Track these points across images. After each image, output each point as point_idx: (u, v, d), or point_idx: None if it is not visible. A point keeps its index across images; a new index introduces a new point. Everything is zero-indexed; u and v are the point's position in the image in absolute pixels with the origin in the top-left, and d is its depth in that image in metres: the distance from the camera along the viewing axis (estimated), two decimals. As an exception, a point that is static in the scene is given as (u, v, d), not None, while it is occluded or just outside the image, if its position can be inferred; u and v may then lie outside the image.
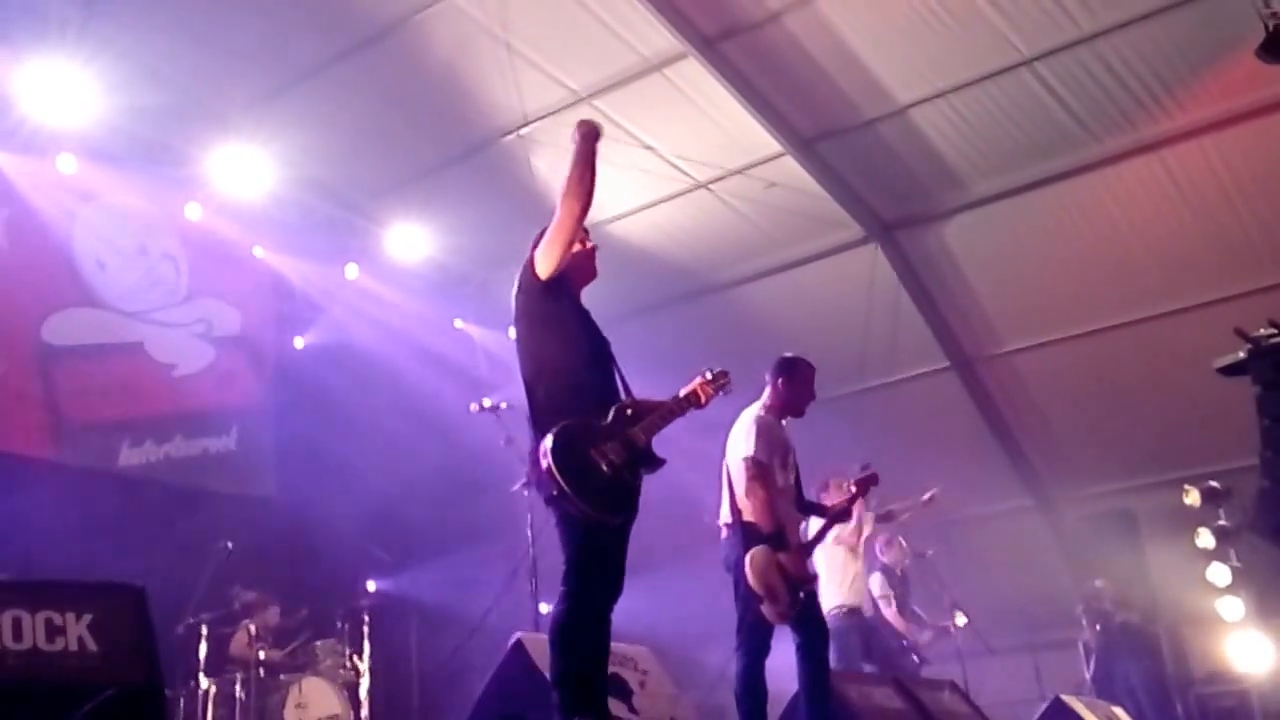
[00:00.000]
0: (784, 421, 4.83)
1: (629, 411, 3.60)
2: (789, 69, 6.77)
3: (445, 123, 7.17)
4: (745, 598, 4.45)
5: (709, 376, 3.91)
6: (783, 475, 4.72)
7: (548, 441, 3.41)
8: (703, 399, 3.86)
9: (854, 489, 5.09)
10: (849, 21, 6.44)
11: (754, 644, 4.48)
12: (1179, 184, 7.45)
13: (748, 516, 4.56)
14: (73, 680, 3.70)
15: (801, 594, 4.48)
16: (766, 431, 4.67)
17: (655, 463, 3.64)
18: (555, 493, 3.40)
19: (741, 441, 4.70)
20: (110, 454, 6.43)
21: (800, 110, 7.15)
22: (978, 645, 7.58)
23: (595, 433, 3.48)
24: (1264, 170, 7.26)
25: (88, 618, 3.78)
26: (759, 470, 4.58)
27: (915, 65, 6.76)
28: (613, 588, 3.55)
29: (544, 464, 3.40)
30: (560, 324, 3.69)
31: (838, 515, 5.00)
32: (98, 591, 3.87)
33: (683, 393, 3.87)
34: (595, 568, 3.48)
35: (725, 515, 4.72)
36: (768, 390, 4.88)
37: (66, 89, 6.04)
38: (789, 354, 4.91)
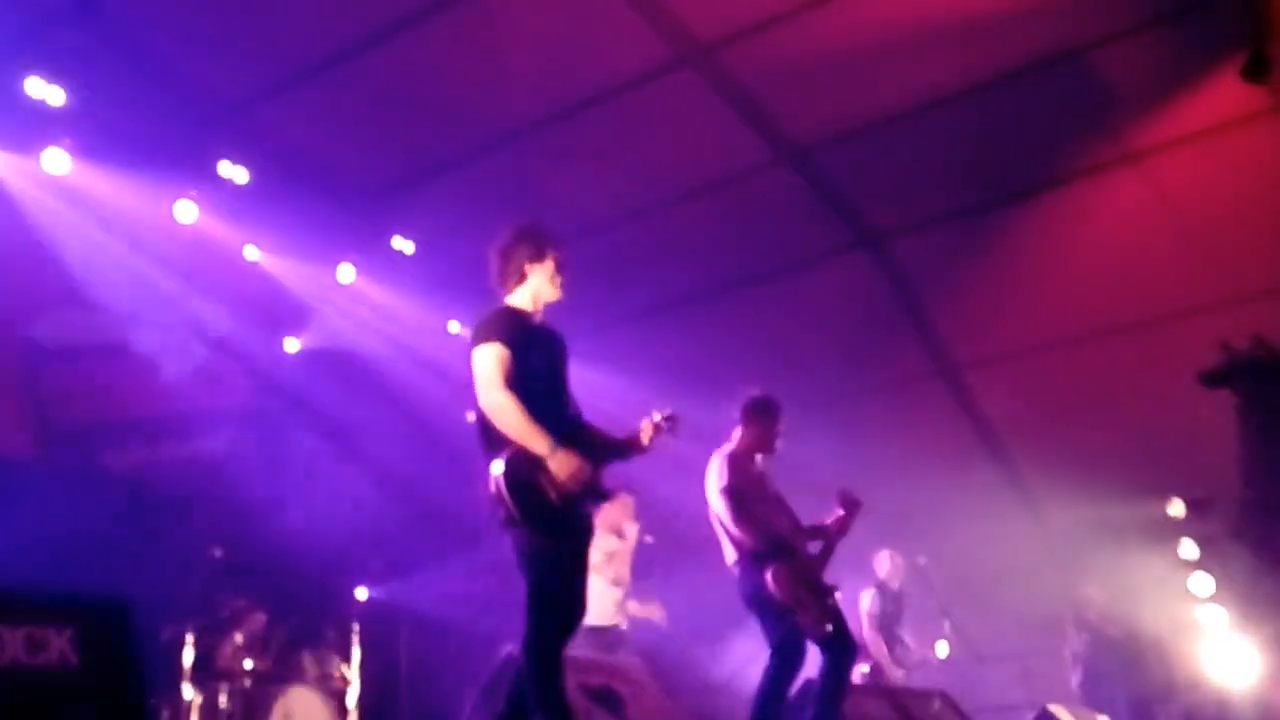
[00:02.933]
0: (757, 458, 4.85)
1: (580, 443, 3.57)
2: (784, 76, 6.64)
3: (442, 125, 6.99)
4: (777, 617, 4.44)
5: (657, 419, 3.84)
6: (763, 506, 4.75)
7: (498, 467, 3.40)
8: (645, 441, 3.79)
9: (842, 511, 5.06)
10: (844, 28, 6.32)
11: (787, 656, 4.47)
12: (1163, 195, 7.40)
13: (748, 546, 4.55)
14: (54, 695, 3.58)
15: (828, 600, 4.50)
16: (733, 465, 4.74)
17: (602, 495, 3.63)
18: (504, 517, 3.39)
19: (713, 480, 4.76)
20: (95, 456, 6.21)
21: (794, 118, 7.02)
22: (966, 653, 7.49)
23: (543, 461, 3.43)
24: (1242, 184, 7.22)
25: (70, 631, 3.67)
26: (735, 496, 4.65)
27: (909, 74, 6.65)
28: (571, 612, 3.51)
29: (494, 489, 3.40)
30: (512, 360, 3.59)
31: (837, 535, 4.95)
32: (81, 604, 3.76)
33: (634, 432, 3.83)
34: (555, 595, 3.45)
35: (730, 555, 4.74)
36: (736, 430, 4.95)
37: (54, 84, 5.80)
38: (756, 392, 4.99)
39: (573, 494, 3.45)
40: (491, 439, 3.50)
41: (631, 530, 5.51)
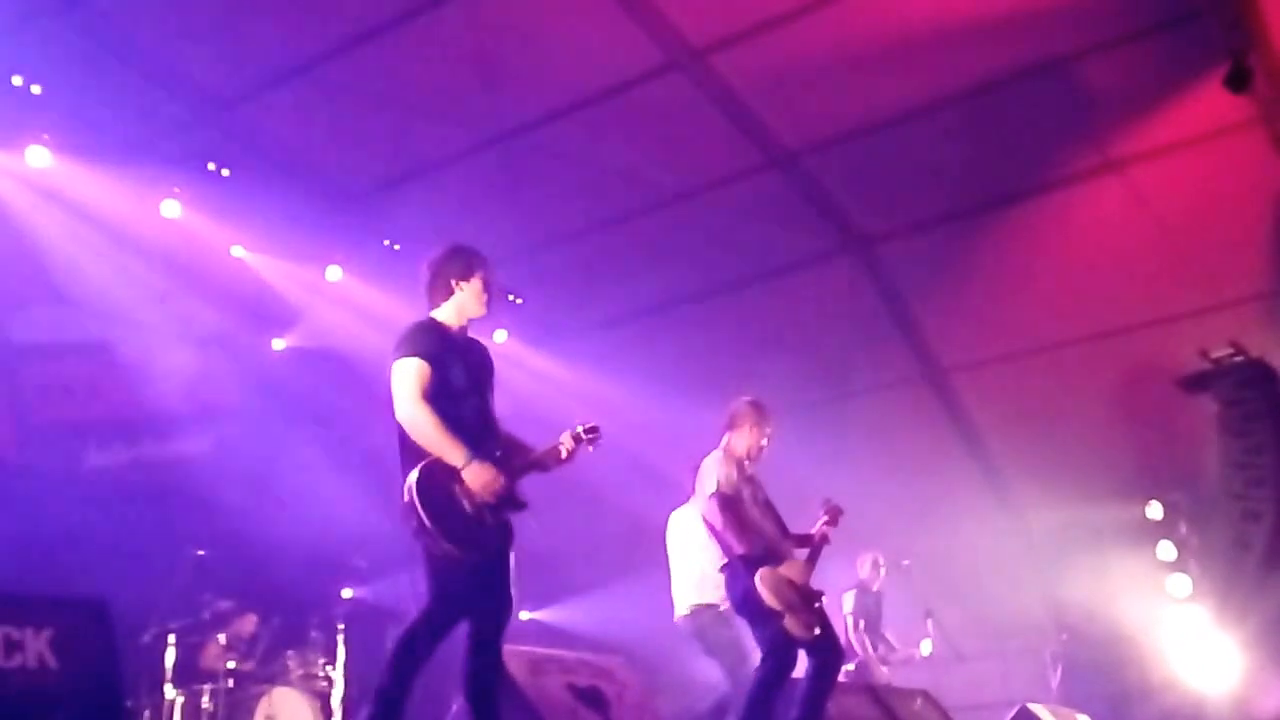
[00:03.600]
0: (745, 463, 4.86)
1: (498, 454, 3.63)
2: (774, 81, 6.60)
3: (430, 125, 6.92)
4: (766, 621, 4.42)
5: (578, 431, 3.85)
6: (752, 511, 4.73)
7: (412, 476, 3.44)
8: (564, 453, 3.81)
9: (826, 519, 5.04)
10: (833, 34, 6.29)
11: (778, 660, 4.46)
12: (1145, 203, 7.41)
13: (738, 550, 4.52)
14: (32, 697, 3.52)
15: (816, 604, 4.48)
16: (722, 469, 4.72)
17: (518, 506, 3.64)
18: (415, 525, 3.42)
19: (704, 484, 4.75)
20: (76, 456, 6.10)
21: (782, 123, 6.99)
22: (947, 652, 7.48)
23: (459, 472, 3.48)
24: (1224, 192, 7.23)
25: (48, 633, 3.62)
26: (726, 501, 4.62)
27: (897, 81, 6.63)
28: (451, 621, 3.57)
29: (406, 498, 3.42)
30: (431, 373, 3.63)
31: (820, 544, 4.93)
32: (59, 606, 3.71)
33: (555, 445, 3.83)
34: (450, 601, 3.51)
35: (719, 559, 4.70)
36: (725, 435, 4.93)
37: (36, 79, 5.69)
38: (746, 397, 4.95)
39: (487, 504, 3.51)
40: (409, 451, 3.55)
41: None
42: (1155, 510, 7.97)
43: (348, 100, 6.66)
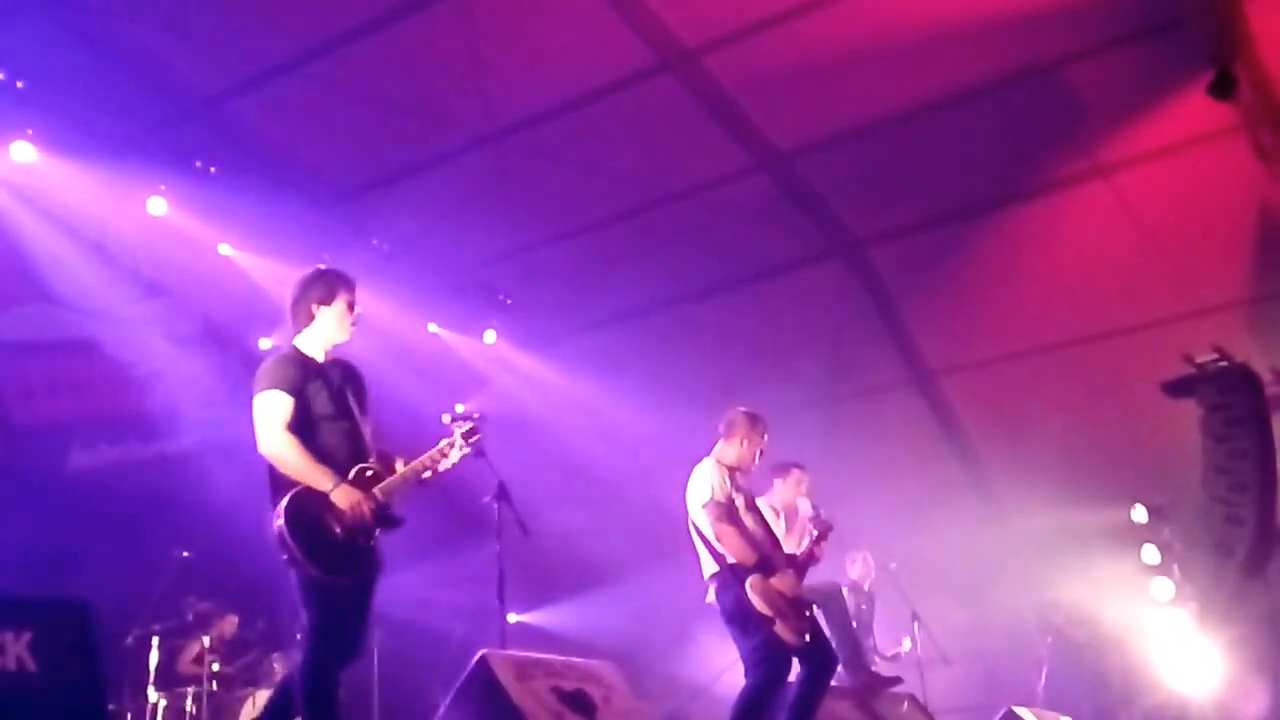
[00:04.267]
0: (738, 472, 4.82)
1: (369, 473, 3.63)
2: (764, 83, 6.57)
3: (420, 125, 6.86)
4: (757, 629, 4.38)
5: (454, 436, 3.84)
6: (747, 518, 4.71)
7: (280, 507, 3.46)
8: (442, 461, 3.80)
9: (815, 534, 5.03)
10: (823, 39, 6.27)
11: (771, 669, 4.42)
12: (1131, 208, 7.43)
13: (730, 559, 4.47)
14: (11, 700, 3.45)
15: (806, 612, 4.45)
16: (718, 477, 4.69)
17: (393, 523, 3.64)
18: (286, 556, 3.45)
19: (697, 492, 4.70)
20: (60, 456, 6.00)
21: (772, 125, 6.96)
22: (934, 655, 7.47)
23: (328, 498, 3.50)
24: (1207, 198, 7.25)
25: (28, 636, 3.57)
26: (721, 510, 4.58)
27: (886, 85, 6.62)
28: (349, 648, 3.60)
29: (276, 531, 3.46)
30: (294, 403, 3.64)
31: (806, 562, 4.89)
32: (39, 608, 3.65)
33: (431, 453, 3.81)
34: (332, 630, 3.51)
35: (709, 568, 4.67)
36: (719, 443, 4.90)
37: (22, 75, 5.60)
38: (743, 408, 4.93)
39: (359, 527, 3.53)
40: (277, 482, 3.58)
41: (804, 505, 5.38)
42: (1139, 514, 7.97)
43: (337, 98, 6.60)
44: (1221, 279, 7.64)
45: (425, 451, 3.80)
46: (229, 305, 7.35)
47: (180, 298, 7.03)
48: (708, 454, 4.89)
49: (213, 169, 6.59)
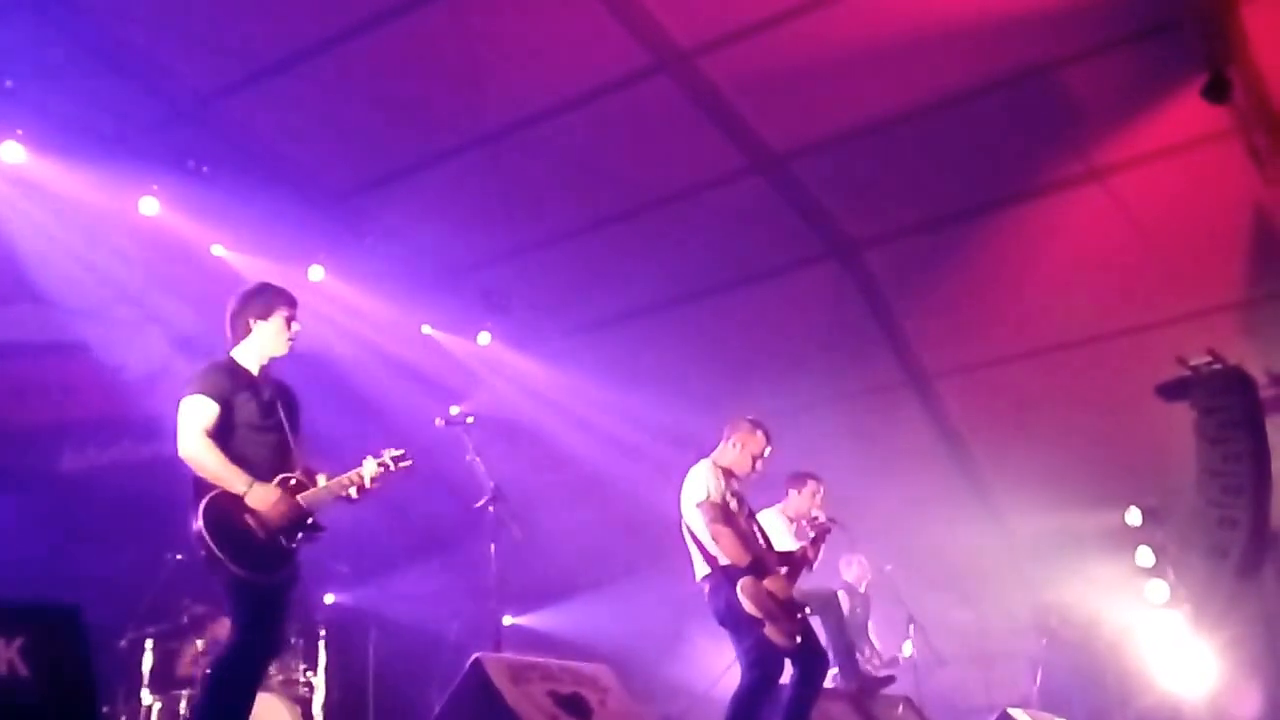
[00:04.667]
0: (735, 476, 4.85)
1: (292, 482, 3.74)
2: (760, 85, 6.57)
3: (415, 125, 6.84)
4: (748, 631, 4.40)
5: (385, 459, 3.93)
6: (741, 521, 4.73)
7: (199, 509, 3.58)
8: (364, 482, 3.88)
9: (811, 536, 5.08)
10: (819, 40, 6.27)
11: (763, 671, 4.45)
12: (1125, 211, 7.45)
13: (723, 560, 4.51)
14: (3, 706, 3.43)
15: (798, 615, 4.47)
16: (714, 478, 4.72)
17: (315, 530, 3.76)
18: (205, 556, 3.56)
19: (691, 492, 4.72)
20: (52, 458, 5.96)
21: (768, 127, 6.96)
22: (929, 657, 7.48)
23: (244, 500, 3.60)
24: (1202, 201, 7.27)
25: (19, 641, 3.55)
26: (716, 512, 4.59)
27: (882, 87, 6.62)
28: (273, 644, 3.74)
29: (195, 532, 3.57)
30: (219, 411, 3.75)
31: (800, 562, 4.91)
32: (30, 613, 3.62)
33: (352, 473, 3.90)
34: (255, 626, 3.60)
35: (701, 569, 4.68)
36: (722, 445, 4.95)
37: (12, 74, 5.56)
38: (751, 417, 4.99)
39: (278, 527, 3.64)
40: (197, 485, 3.67)
41: (821, 517, 5.41)
42: (1134, 516, 8.00)
43: (331, 98, 6.56)
44: (1216, 282, 7.67)
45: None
46: (222, 306, 7.30)
47: (172, 299, 6.98)
48: (704, 456, 4.90)
49: (205, 169, 6.56)
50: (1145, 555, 7.85)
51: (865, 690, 6.15)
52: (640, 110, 6.73)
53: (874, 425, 8.75)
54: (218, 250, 7.13)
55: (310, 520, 3.75)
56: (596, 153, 7.08)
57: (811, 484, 5.92)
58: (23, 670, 3.44)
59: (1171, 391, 7.31)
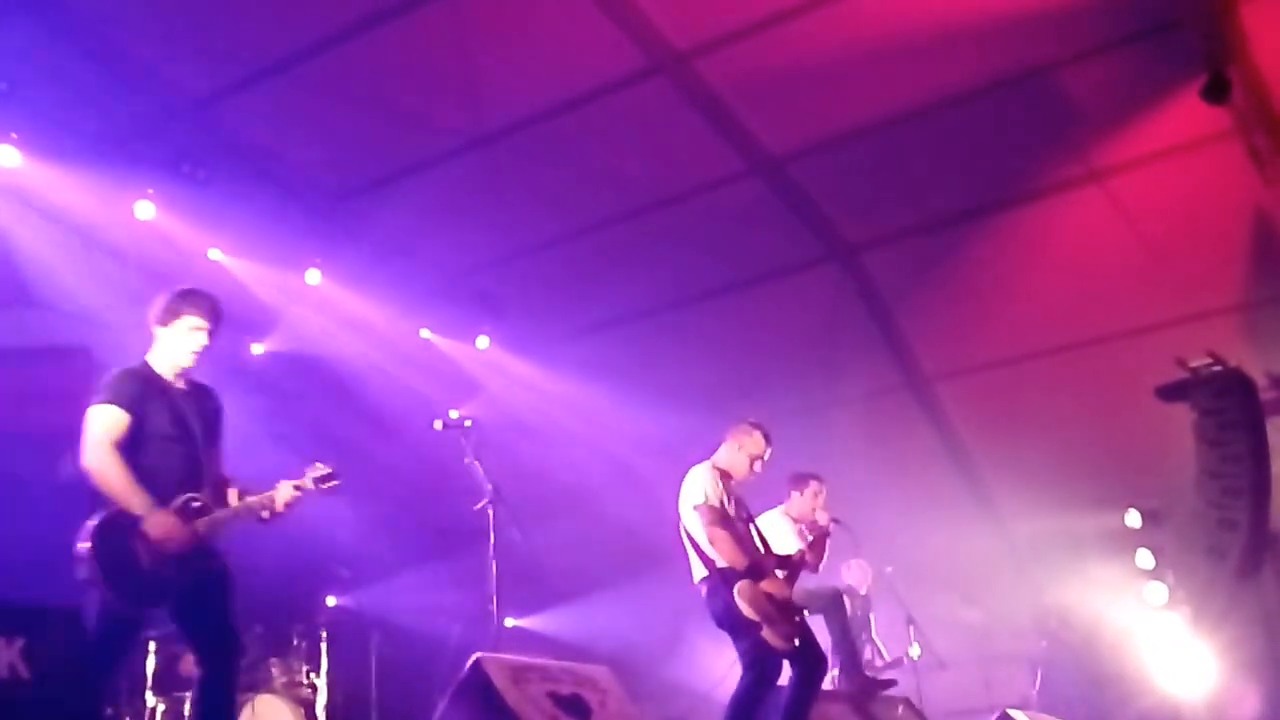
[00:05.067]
0: (733, 479, 4.87)
1: (195, 504, 3.58)
2: (757, 87, 6.59)
3: (411, 128, 6.85)
4: (745, 633, 4.42)
5: (303, 479, 3.83)
6: (739, 525, 4.74)
7: (90, 525, 3.45)
8: (275, 506, 3.75)
9: (810, 539, 5.11)
10: (817, 41, 6.30)
11: (760, 672, 4.48)
12: (1125, 213, 7.46)
13: (720, 563, 4.53)
14: (5, 707, 3.44)
15: (796, 617, 4.49)
16: (712, 481, 4.72)
17: (211, 558, 3.61)
18: (85, 574, 3.42)
19: (689, 495, 4.72)
20: (51, 464, 5.96)
21: (765, 129, 6.98)
22: (929, 658, 7.50)
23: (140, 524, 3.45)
24: (1201, 203, 7.29)
25: (20, 643, 3.56)
26: (714, 514, 4.61)
27: (880, 89, 6.64)
28: (117, 668, 3.68)
29: (80, 547, 3.44)
30: (129, 420, 3.61)
31: (798, 565, 4.93)
32: (30, 615, 3.63)
33: (268, 494, 3.78)
34: (104, 650, 3.51)
35: (699, 572, 4.70)
36: (722, 448, 4.96)
37: (6, 78, 5.56)
38: (752, 419, 5.00)
39: (165, 558, 3.48)
40: (94, 501, 3.55)
41: (823, 517, 5.43)
42: (1133, 518, 8.00)
43: (326, 101, 6.56)
44: (1216, 284, 7.68)
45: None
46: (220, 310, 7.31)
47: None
48: (703, 458, 4.92)
49: (201, 173, 6.57)
50: (1145, 557, 7.86)
51: (865, 691, 6.16)
52: (637, 113, 6.74)
53: (873, 428, 8.77)
54: (214, 254, 7.14)
55: (204, 552, 3.59)
56: (593, 155, 7.09)
57: (814, 484, 5.94)
58: (24, 671, 3.45)
59: (1171, 393, 7.31)
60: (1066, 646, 8.14)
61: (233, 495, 3.77)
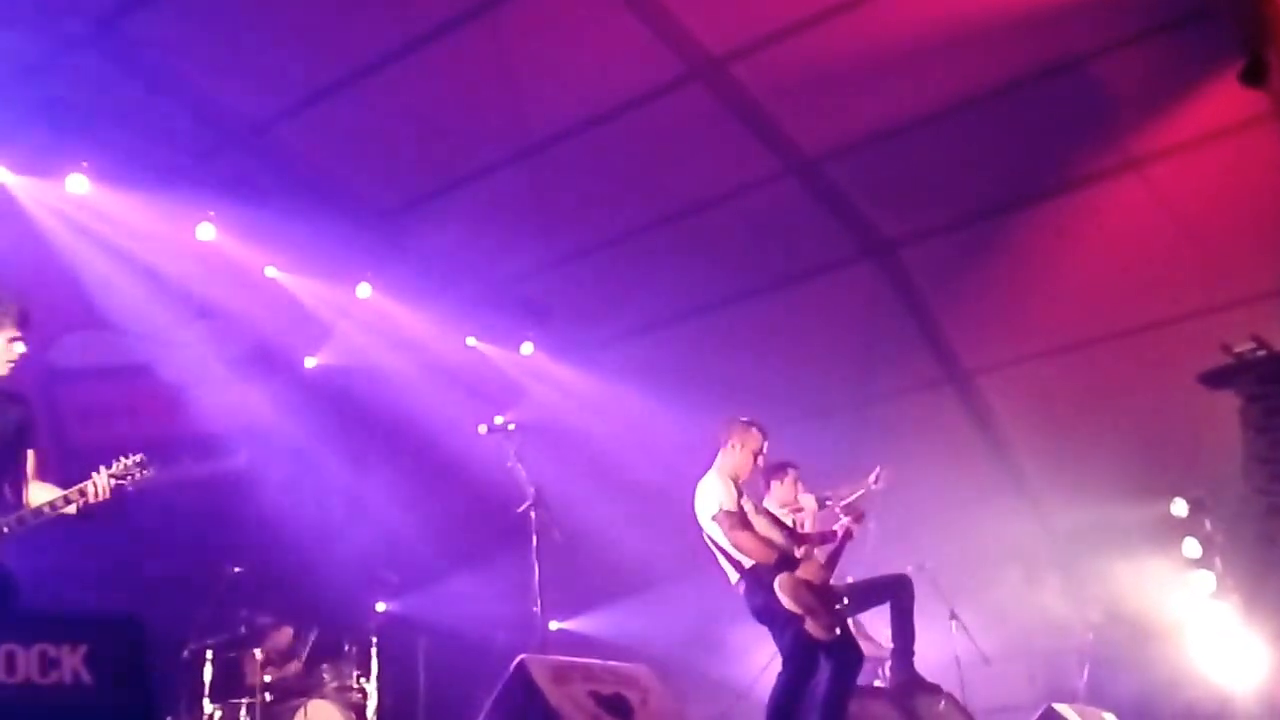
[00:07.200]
0: (740, 479, 4.80)
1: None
2: (792, 88, 6.48)
3: (457, 143, 6.87)
4: (785, 626, 4.35)
5: (114, 468, 3.70)
6: (760, 520, 4.70)
7: None
8: (86, 498, 3.61)
9: (849, 518, 4.99)
10: (850, 40, 6.17)
11: (801, 664, 4.40)
12: (1164, 200, 7.22)
13: (748, 563, 4.43)
14: (67, 713, 3.47)
15: (836, 606, 4.41)
16: (723, 487, 4.67)
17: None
18: None
19: (705, 507, 4.68)
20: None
21: (801, 129, 6.86)
22: (972, 653, 7.31)
23: None
24: (1242, 187, 7.02)
25: (83, 649, 3.57)
26: (732, 520, 4.56)
27: (914, 85, 6.49)
28: None
29: None
30: None
31: (844, 542, 4.83)
32: (93, 623, 3.66)
33: (74, 489, 3.64)
34: None
35: (733, 575, 4.63)
36: (721, 453, 4.87)
37: (76, 109, 5.70)
38: (743, 417, 4.91)
39: None
40: None
41: (807, 500, 5.33)
42: (1179, 507, 7.74)
43: (375, 120, 6.64)
44: (1257, 268, 7.37)
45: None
46: (276, 326, 7.42)
47: (229, 320, 7.10)
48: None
49: (258, 194, 6.66)
50: (1192, 546, 7.60)
51: (909, 686, 6.00)
52: (675, 118, 6.70)
53: (914, 423, 8.59)
54: (271, 271, 7.24)
55: None
56: (633, 162, 7.06)
57: (792, 472, 5.73)
58: (87, 677, 3.49)
59: (1216, 379, 7.01)
60: (1113, 639, 7.89)
61: (33, 491, 3.64)
